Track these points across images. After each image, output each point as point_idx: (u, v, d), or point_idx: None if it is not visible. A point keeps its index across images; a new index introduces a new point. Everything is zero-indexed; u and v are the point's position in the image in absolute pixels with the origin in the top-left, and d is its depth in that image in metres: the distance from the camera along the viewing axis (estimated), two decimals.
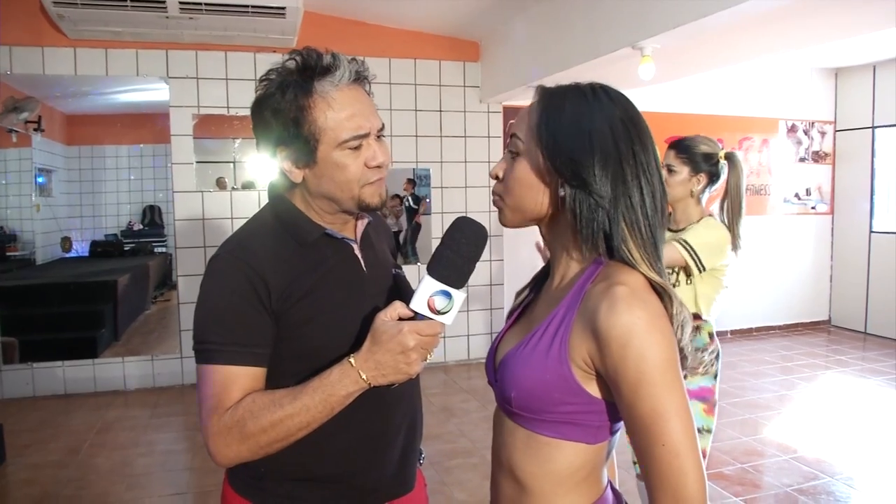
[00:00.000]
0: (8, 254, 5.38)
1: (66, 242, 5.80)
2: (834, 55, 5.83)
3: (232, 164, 4.73)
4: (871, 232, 6.20)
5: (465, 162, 5.20)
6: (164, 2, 3.77)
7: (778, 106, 6.28)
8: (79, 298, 5.04)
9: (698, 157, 2.15)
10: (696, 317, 2.10)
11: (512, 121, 0.97)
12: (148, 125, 5.49)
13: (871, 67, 6.09)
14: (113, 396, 4.48)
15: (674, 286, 1.92)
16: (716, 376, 2.12)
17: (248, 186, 4.75)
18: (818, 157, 6.48)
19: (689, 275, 2.08)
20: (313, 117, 1.03)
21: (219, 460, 1.01)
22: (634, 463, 2.17)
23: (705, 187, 2.18)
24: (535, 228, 1.00)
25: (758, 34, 3.31)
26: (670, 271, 2.09)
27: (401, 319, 0.97)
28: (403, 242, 5.13)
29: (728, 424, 3.81)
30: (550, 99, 0.92)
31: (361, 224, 1.19)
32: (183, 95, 4.53)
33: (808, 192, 6.46)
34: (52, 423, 3.97)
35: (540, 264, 1.15)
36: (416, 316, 0.97)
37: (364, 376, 0.97)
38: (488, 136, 5.26)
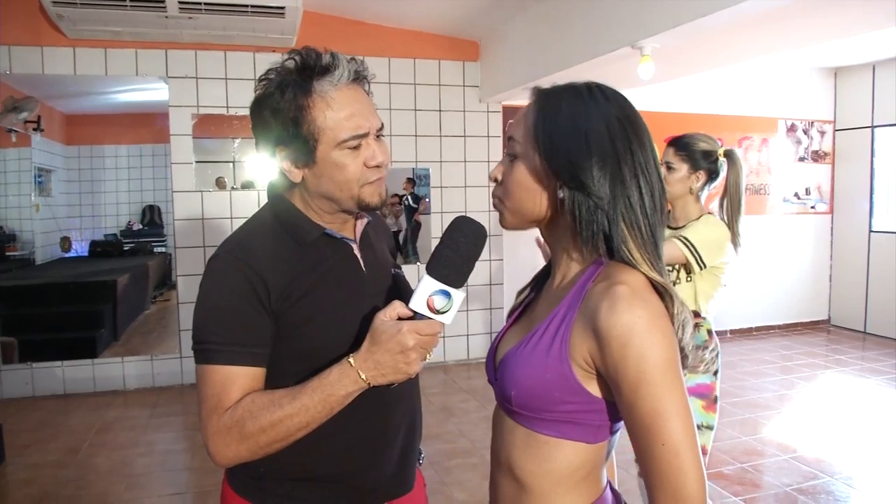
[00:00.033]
0: (7, 254, 5.38)
1: (66, 242, 5.80)
2: (833, 55, 5.83)
3: (231, 164, 4.73)
4: (871, 231, 6.20)
5: (465, 161, 5.20)
6: (163, 1, 3.76)
7: (777, 105, 6.28)
8: (78, 298, 5.03)
9: (697, 155, 2.15)
10: (695, 314, 2.10)
11: (510, 121, 0.97)
12: (147, 125, 5.48)
13: (870, 67, 6.09)
14: (112, 396, 4.48)
15: (673, 283, 1.92)
16: (716, 373, 2.12)
17: (247, 186, 4.74)
18: (818, 156, 6.48)
19: (689, 272, 2.09)
20: (312, 117, 1.03)
21: (218, 460, 1.01)
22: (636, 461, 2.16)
23: (704, 185, 2.18)
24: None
25: (757, 34, 3.31)
26: (670, 269, 2.10)
27: (400, 319, 0.97)
28: (403, 242, 5.13)
29: (728, 424, 3.81)
30: (546, 100, 0.92)
31: (361, 224, 1.19)
32: (182, 95, 4.53)
33: (807, 192, 6.46)
34: (52, 422, 3.97)
35: (540, 262, 1.15)
36: (416, 315, 0.96)
37: (363, 376, 0.97)
38: (488, 136, 5.26)
